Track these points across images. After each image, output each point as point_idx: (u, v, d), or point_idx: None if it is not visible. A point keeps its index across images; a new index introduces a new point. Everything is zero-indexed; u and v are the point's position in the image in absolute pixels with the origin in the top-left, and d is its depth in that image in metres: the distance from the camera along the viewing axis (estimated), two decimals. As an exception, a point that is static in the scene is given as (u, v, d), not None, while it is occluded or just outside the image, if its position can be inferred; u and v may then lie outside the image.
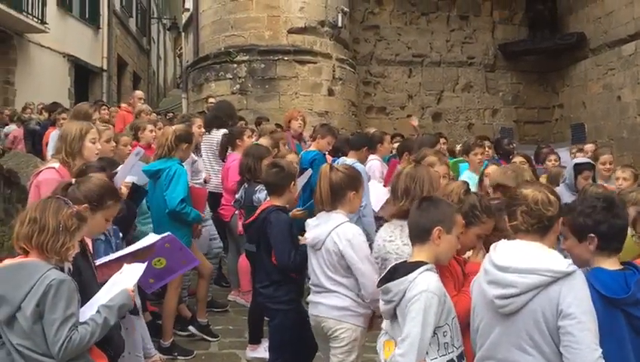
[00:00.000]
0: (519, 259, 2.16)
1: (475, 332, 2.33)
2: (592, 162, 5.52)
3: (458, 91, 15.05)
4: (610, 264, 2.28)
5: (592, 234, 2.27)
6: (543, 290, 2.09)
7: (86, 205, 2.64)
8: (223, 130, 6.34)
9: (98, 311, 2.38)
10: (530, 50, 14.90)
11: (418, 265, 2.38)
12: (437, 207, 2.49)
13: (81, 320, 2.32)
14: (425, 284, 2.29)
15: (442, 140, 7.55)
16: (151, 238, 3.14)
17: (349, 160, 5.41)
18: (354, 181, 3.29)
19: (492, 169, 4.31)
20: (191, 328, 4.86)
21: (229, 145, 5.95)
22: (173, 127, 4.74)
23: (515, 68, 15.22)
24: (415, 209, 2.53)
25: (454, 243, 2.51)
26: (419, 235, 2.46)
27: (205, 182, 5.83)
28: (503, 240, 2.32)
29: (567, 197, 4.27)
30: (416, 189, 2.94)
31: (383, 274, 2.52)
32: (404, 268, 2.41)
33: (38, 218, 2.31)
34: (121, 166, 3.82)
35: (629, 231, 2.69)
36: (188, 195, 4.44)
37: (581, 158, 5.94)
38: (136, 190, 3.96)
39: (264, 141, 5.63)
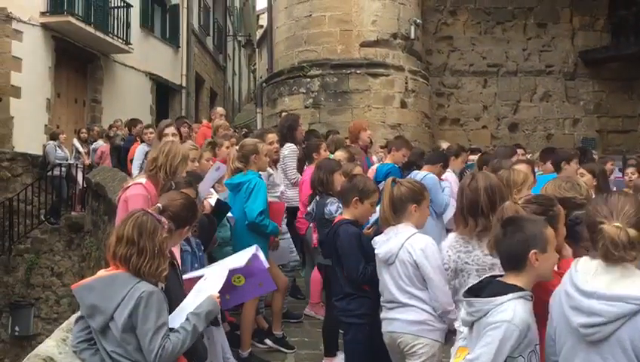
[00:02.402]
0: (605, 283, 2.01)
1: (555, 353, 2.20)
2: None
3: (536, 101, 14.60)
4: None
5: None
6: (630, 319, 1.95)
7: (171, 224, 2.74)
8: (288, 144, 6.41)
9: (187, 319, 2.47)
10: (614, 57, 14.27)
11: (512, 289, 2.25)
12: (523, 228, 2.31)
13: (171, 328, 2.42)
14: (510, 314, 2.17)
15: (521, 151, 7.33)
16: (241, 259, 3.19)
17: (422, 173, 5.40)
18: (416, 194, 3.26)
19: (548, 185, 4.12)
20: (267, 341, 4.94)
21: (307, 158, 6.02)
22: (235, 147, 4.87)
23: (597, 76, 14.60)
24: (500, 236, 2.35)
25: (554, 258, 2.36)
26: (514, 264, 2.31)
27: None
28: (584, 257, 2.16)
29: None
30: (480, 215, 2.87)
31: (472, 284, 2.44)
32: (495, 287, 2.30)
33: (135, 240, 2.41)
34: (202, 181, 3.96)
35: None
36: (266, 208, 4.54)
37: None
38: (220, 205, 4.09)
39: (340, 154, 5.66)
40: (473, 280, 2.86)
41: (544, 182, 4.56)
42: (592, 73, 14.61)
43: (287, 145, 6.43)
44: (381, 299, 3.34)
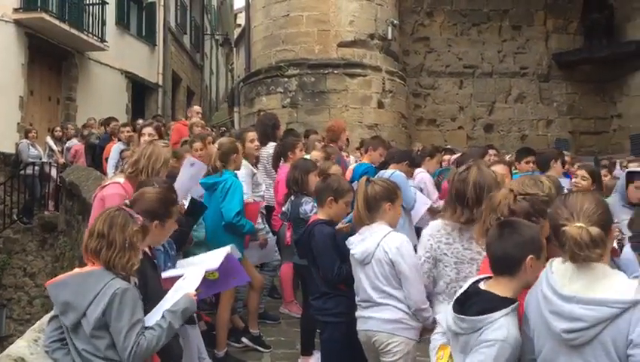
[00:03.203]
0: (582, 286, 2.00)
1: (532, 352, 2.17)
2: None
3: (511, 102, 14.82)
4: None
5: None
6: (613, 321, 1.94)
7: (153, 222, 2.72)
8: (272, 143, 6.42)
9: (163, 316, 2.46)
10: (587, 60, 14.56)
11: (504, 302, 2.21)
12: (521, 232, 2.27)
13: (147, 326, 2.41)
14: (505, 333, 2.15)
15: (492, 152, 7.42)
16: (217, 259, 3.18)
17: (389, 171, 5.44)
18: (390, 193, 3.27)
19: (512, 182, 4.15)
20: (244, 339, 4.93)
21: (282, 156, 6.02)
22: (216, 145, 4.85)
23: (570, 78, 14.87)
24: (497, 238, 2.30)
25: (543, 266, 2.31)
26: (509, 268, 2.25)
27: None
28: (558, 258, 2.13)
29: (619, 208, 4.18)
30: (466, 206, 2.90)
31: (460, 293, 2.39)
32: (486, 300, 2.25)
33: (105, 233, 2.41)
34: (177, 178, 3.94)
35: None
36: (243, 208, 4.53)
37: (635, 167, 5.77)
38: (196, 205, 4.06)
39: (316, 154, 5.68)
40: (451, 272, 2.92)
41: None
42: (566, 75, 14.88)
43: (271, 144, 6.43)
44: (356, 298, 3.35)
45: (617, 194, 5.06)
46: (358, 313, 3.31)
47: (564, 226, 2.03)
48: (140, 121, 9.46)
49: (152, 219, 2.71)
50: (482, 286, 2.33)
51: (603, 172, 6.82)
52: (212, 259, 3.20)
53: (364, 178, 3.41)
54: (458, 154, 7.38)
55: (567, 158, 7.32)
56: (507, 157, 8.08)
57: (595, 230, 2.00)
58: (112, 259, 2.38)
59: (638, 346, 1.93)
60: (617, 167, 8.21)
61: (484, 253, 2.73)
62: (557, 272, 2.08)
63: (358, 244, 3.24)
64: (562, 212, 2.09)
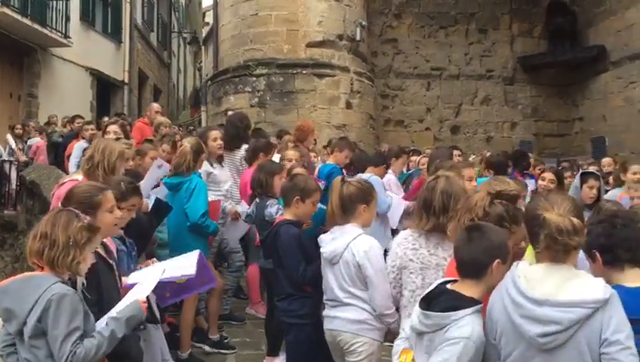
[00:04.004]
0: (552, 288, 2.01)
1: (498, 357, 2.16)
2: (597, 173, 5.48)
3: (477, 104, 15.02)
4: (630, 279, 2.21)
5: (594, 250, 2.24)
6: (586, 322, 1.96)
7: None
8: (245, 146, 6.33)
9: (106, 324, 2.37)
10: (550, 63, 14.86)
11: (469, 302, 2.22)
12: (490, 236, 2.29)
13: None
14: (469, 330, 2.15)
15: (457, 152, 7.50)
16: (191, 264, 3.11)
17: (366, 175, 5.45)
18: (365, 195, 3.27)
19: (481, 186, 4.21)
20: (206, 348, 4.87)
21: (253, 156, 5.94)
22: (188, 144, 4.78)
23: (535, 81, 15.16)
24: (464, 241, 2.31)
25: (506, 270, 2.34)
26: (475, 271, 2.26)
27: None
28: (522, 261, 2.17)
29: None
30: (432, 214, 2.92)
31: (427, 292, 2.39)
32: (452, 299, 2.26)
33: (48, 233, 2.32)
34: (144, 179, 3.88)
35: None
36: (207, 208, 4.49)
37: (589, 169, 5.94)
38: (161, 205, 4.01)
39: (292, 153, 5.64)
40: (416, 278, 2.90)
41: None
42: (530, 78, 15.16)
43: (244, 146, 6.32)
44: (324, 297, 3.35)
45: (573, 194, 5.18)
46: (325, 312, 3.31)
47: (543, 214, 2.06)
48: (106, 119, 9.28)
49: (89, 211, 2.64)
50: (449, 286, 2.34)
51: (566, 174, 6.97)
52: (186, 265, 3.14)
53: (338, 178, 3.41)
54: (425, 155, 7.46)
55: (531, 160, 7.46)
56: (471, 159, 8.21)
57: (575, 219, 2.05)
58: (56, 259, 2.29)
59: (612, 344, 1.95)
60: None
61: (450, 259, 2.75)
62: (525, 275, 2.08)
63: (328, 243, 3.24)
64: (542, 203, 2.13)
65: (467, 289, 2.27)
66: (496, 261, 2.24)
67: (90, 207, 2.67)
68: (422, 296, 2.38)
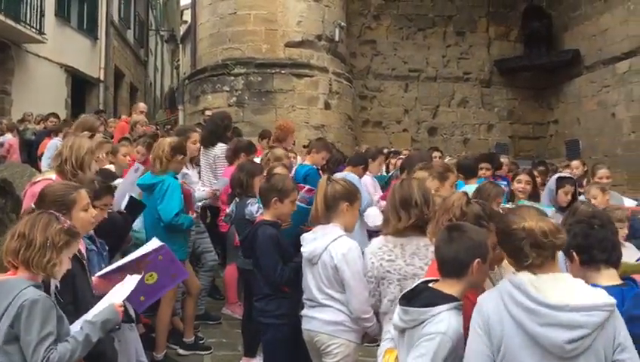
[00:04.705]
0: (568, 295, 1.99)
1: None
2: (573, 177, 5.57)
3: (454, 106, 15.15)
4: (605, 279, 2.25)
5: (571, 250, 2.27)
6: (602, 327, 1.96)
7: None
8: (220, 144, 6.30)
9: (81, 328, 2.34)
10: (526, 67, 15.05)
11: (448, 299, 2.24)
12: (470, 235, 2.32)
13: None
14: (445, 325, 2.17)
15: (437, 154, 7.55)
16: (146, 247, 3.13)
17: (343, 173, 5.49)
18: (350, 194, 3.28)
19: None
20: (181, 351, 4.83)
21: (235, 157, 5.91)
22: (168, 140, 4.74)
23: (511, 84, 15.34)
24: (445, 241, 2.34)
25: (488, 269, 2.37)
26: (456, 270, 2.28)
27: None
28: (519, 273, 2.11)
29: (550, 213, 4.35)
30: (414, 205, 2.93)
31: (405, 291, 2.41)
32: (431, 296, 2.28)
33: (26, 233, 2.30)
34: (120, 181, 3.84)
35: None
36: (182, 208, 4.45)
37: (564, 173, 6.02)
38: (134, 203, 3.96)
39: (279, 151, 5.63)
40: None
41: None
42: (507, 81, 15.34)
43: (220, 145, 6.30)
44: (303, 296, 3.35)
45: (546, 199, 5.26)
46: (303, 311, 3.32)
47: (523, 225, 2.09)
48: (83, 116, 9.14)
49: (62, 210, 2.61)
50: (430, 285, 2.37)
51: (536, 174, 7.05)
52: (148, 246, 3.12)
53: (325, 177, 3.41)
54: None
55: (504, 160, 7.55)
56: (447, 160, 8.27)
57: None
58: (31, 259, 2.26)
59: (626, 350, 1.98)
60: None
61: (427, 268, 2.78)
62: (533, 284, 2.04)
63: (309, 243, 3.24)
64: (514, 218, 2.16)
65: (448, 287, 2.29)
66: (477, 260, 2.26)
67: (64, 205, 2.64)
68: (403, 294, 2.41)
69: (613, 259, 2.32)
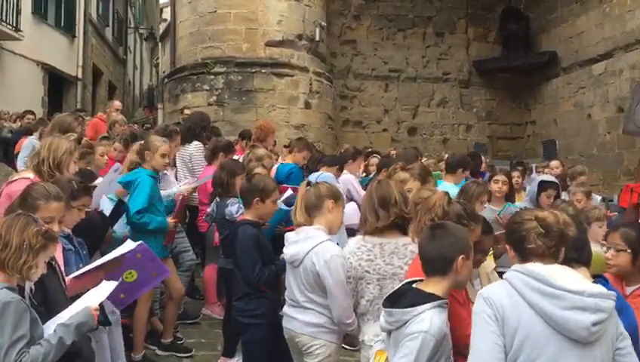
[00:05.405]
0: (577, 282, 2.03)
1: None
2: (557, 182, 5.67)
3: (433, 106, 15.26)
4: None
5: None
6: (611, 314, 2.01)
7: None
8: (196, 143, 6.29)
9: (54, 331, 2.32)
10: (504, 68, 15.20)
11: (430, 298, 2.25)
12: (453, 233, 2.36)
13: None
14: (427, 324, 2.18)
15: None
16: (124, 248, 3.11)
17: (317, 173, 5.54)
18: (334, 193, 3.29)
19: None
20: (158, 351, 4.80)
21: (214, 156, 5.88)
22: (133, 147, 4.73)
23: (489, 85, 15.49)
24: (428, 239, 2.37)
25: (472, 267, 2.39)
26: (440, 268, 2.31)
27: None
28: (527, 263, 2.12)
29: None
30: (393, 203, 2.96)
31: (390, 292, 2.42)
32: (414, 296, 2.29)
33: (2, 234, 2.27)
34: (99, 180, 3.81)
35: (595, 247, 2.75)
36: (148, 205, 4.40)
37: (548, 176, 6.11)
38: (120, 205, 3.95)
39: (261, 151, 5.62)
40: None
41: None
42: (485, 82, 15.49)
43: (195, 143, 6.29)
44: (285, 293, 3.35)
45: (527, 200, 5.34)
46: (285, 308, 3.31)
47: (532, 215, 2.17)
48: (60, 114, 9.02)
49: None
50: (414, 286, 2.38)
51: (514, 174, 7.14)
52: (125, 247, 3.11)
53: (304, 181, 3.41)
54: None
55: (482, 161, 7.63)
56: (424, 160, 8.33)
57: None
58: (7, 261, 2.24)
59: (626, 338, 2.05)
60: (533, 170, 8.62)
61: (406, 268, 2.80)
62: (547, 273, 2.05)
63: (291, 245, 3.22)
64: (527, 211, 2.27)
65: (431, 286, 2.31)
66: (461, 256, 2.29)
67: (30, 208, 2.62)
68: (387, 295, 2.41)
69: (583, 258, 2.37)
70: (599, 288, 2.03)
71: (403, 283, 2.44)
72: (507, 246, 2.27)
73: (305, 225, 3.21)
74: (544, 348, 1.99)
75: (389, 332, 2.34)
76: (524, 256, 2.14)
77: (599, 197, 6.52)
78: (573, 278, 2.04)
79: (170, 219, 4.54)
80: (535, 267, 2.07)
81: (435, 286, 2.30)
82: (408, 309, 2.23)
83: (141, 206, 4.30)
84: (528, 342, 2.00)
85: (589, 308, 1.96)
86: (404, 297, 2.31)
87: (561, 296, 1.98)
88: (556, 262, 2.12)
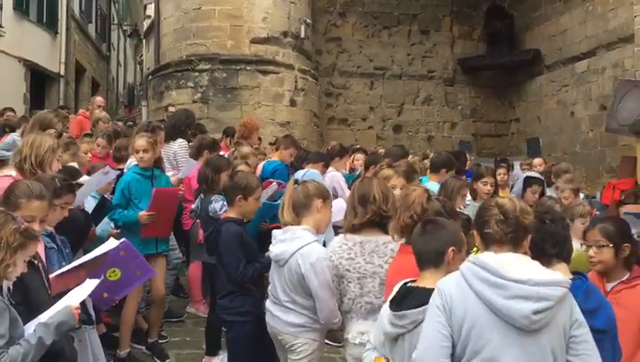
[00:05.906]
0: (528, 271, 2.05)
1: (470, 354, 2.06)
2: (542, 178, 5.72)
3: (418, 104, 15.29)
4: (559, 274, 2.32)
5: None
6: (562, 302, 2.03)
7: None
8: (180, 140, 6.26)
9: (34, 330, 2.28)
10: (488, 66, 15.28)
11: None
12: (444, 227, 2.42)
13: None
14: None
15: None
16: (106, 246, 3.08)
17: (303, 170, 5.54)
18: (322, 192, 3.29)
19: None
20: (145, 350, 4.77)
21: (199, 154, 5.85)
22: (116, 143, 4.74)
23: (474, 82, 15.56)
24: (420, 234, 2.42)
25: (463, 259, 2.38)
26: (433, 260, 2.35)
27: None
28: (484, 253, 2.19)
29: None
30: (372, 200, 2.96)
31: (392, 295, 2.40)
32: (420, 294, 2.29)
33: None
34: (85, 179, 3.78)
35: (577, 244, 2.77)
36: (121, 202, 4.42)
37: (533, 173, 6.15)
38: (104, 203, 3.93)
39: (246, 149, 5.60)
40: (355, 288, 2.93)
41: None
42: (470, 80, 15.55)
43: (179, 140, 6.26)
44: (269, 288, 3.33)
45: (514, 197, 5.37)
46: (267, 304, 3.29)
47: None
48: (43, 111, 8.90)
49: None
50: (412, 285, 2.38)
51: (500, 171, 7.19)
52: (107, 245, 3.08)
53: (292, 180, 3.40)
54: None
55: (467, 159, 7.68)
56: (410, 158, 8.34)
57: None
58: None
59: (581, 326, 2.05)
60: (517, 167, 8.70)
61: (386, 266, 2.81)
62: (494, 262, 2.08)
63: (278, 243, 3.20)
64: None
65: (429, 281, 2.32)
66: (451, 248, 2.32)
67: (12, 206, 2.58)
68: (390, 299, 2.40)
69: (563, 254, 2.39)
70: (549, 276, 2.04)
71: (400, 284, 2.43)
72: (475, 233, 2.32)
73: (292, 224, 3.19)
74: (490, 336, 2.03)
75: (396, 337, 2.31)
76: (485, 241, 2.20)
77: (582, 195, 6.59)
78: (523, 267, 2.06)
79: (142, 213, 4.44)
80: (487, 257, 2.12)
81: (431, 280, 2.31)
82: (423, 308, 2.21)
83: (115, 202, 4.35)
84: (474, 330, 2.04)
85: (530, 296, 1.98)
86: (409, 298, 2.31)
87: (504, 285, 2.01)
88: (515, 250, 2.15)
